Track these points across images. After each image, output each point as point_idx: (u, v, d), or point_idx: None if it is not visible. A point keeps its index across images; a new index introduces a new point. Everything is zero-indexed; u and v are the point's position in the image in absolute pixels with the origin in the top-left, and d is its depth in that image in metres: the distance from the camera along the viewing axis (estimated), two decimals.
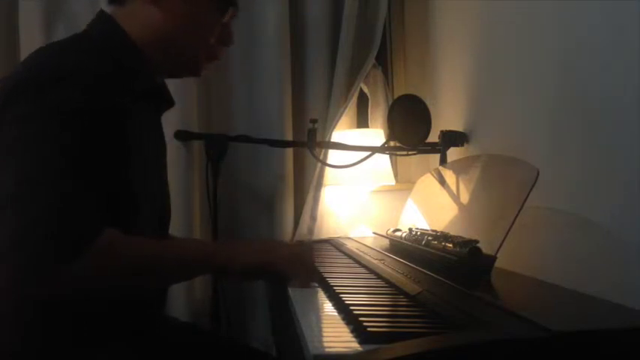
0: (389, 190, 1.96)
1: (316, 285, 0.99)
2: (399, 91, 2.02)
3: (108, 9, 1.08)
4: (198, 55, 1.13)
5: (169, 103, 1.21)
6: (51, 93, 0.89)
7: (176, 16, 1.06)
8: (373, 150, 1.72)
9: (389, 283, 0.96)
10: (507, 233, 0.88)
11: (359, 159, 1.70)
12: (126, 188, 0.96)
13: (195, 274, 1.24)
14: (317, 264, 1.09)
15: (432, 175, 1.45)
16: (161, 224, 1.17)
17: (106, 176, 0.91)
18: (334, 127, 1.84)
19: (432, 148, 1.70)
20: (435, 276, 0.91)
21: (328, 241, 1.68)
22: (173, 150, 1.77)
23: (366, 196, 1.96)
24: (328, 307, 0.83)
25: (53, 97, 0.89)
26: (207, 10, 1.10)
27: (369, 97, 2.04)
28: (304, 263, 1.02)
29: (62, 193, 0.85)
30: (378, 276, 1.03)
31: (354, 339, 0.64)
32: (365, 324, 0.66)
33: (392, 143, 1.74)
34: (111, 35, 1.04)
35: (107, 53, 1.01)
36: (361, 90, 2.00)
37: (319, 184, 1.85)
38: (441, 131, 1.67)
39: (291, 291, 0.94)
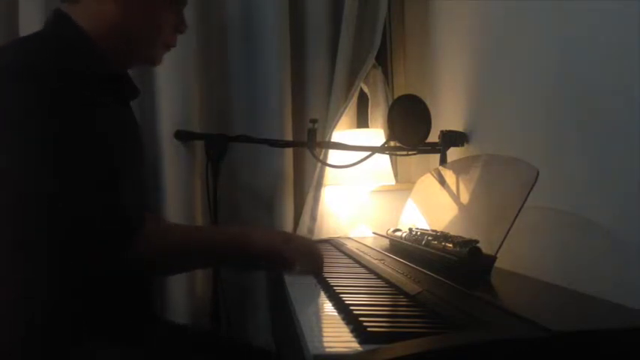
0: (389, 190, 1.96)
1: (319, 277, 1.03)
2: (399, 91, 2.02)
3: (63, 7, 1.09)
4: (155, 45, 1.15)
5: (134, 92, 1.22)
6: (17, 92, 0.92)
7: (131, 9, 1.08)
8: (373, 150, 1.72)
9: (389, 283, 0.96)
10: (507, 233, 0.88)
11: (359, 159, 1.70)
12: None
13: (224, 258, 1.30)
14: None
15: (432, 175, 1.45)
16: None
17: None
18: (334, 127, 1.84)
19: (432, 148, 1.69)
20: (435, 276, 0.91)
21: (328, 241, 1.68)
22: (173, 150, 1.77)
23: (366, 196, 1.96)
24: (328, 307, 0.83)
25: (22, 96, 0.91)
26: (160, 2, 1.12)
27: (369, 97, 2.04)
28: (313, 254, 1.12)
29: (111, 192, 0.95)
30: (378, 276, 1.03)
31: (354, 339, 0.64)
32: (365, 324, 0.66)
33: (392, 143, 1.74)
34: (67, 32, 1.06)
35: (65, 50, 1.03)
36: (361, 90, 2.00)
37: (319, 184, 1.85)
38: (441, 131, 1.67)
39: (291, 291, 0.94)
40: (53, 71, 0.95)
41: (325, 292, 0.92)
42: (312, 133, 1.68)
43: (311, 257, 1.11)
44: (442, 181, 1.37)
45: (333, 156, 1.83)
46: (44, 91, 0.93)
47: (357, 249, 1.39)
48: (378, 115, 2.02)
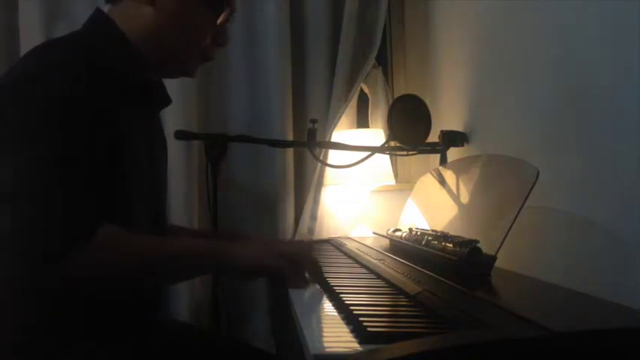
0: (389, 190, 1.96)
1: (316, 284, 0.99)
2: (399, 91, 2.03)
3: (105, 8, 1.08)
4: (191, 55, 1.12)
5: (166, 101, 1.20)
6: (35, 90, 0.90)
7: (169, 15, 1.06)
8: (373, 150, 1.72)
9: (389, 283, 0.96)
10: (507, 233, 0.88)
11: (359, 159, 1.70)
12: (117, 187, 0.95)
13: (195, 273, 1.22)
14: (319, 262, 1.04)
15: (432, 175, 1.45)
16: (157, 225, 1.15)
17: (97, 173, 0.92)
18: (334, 127, 1.85)
19: (432, 148, 1.70)
20: (435, 276, 0.91)
21: (328, 241, 1.68)
22: (173, 150, 1.77)
23: (366, 196, 1.96)
24: (328, 307, 0.83)
25: (37, 95, 0.90)
26: (201, 11, 1.09)
27: (369, 97, 2.04)
28: (304, 264, 0.99)
29: (59, 191, 0.87)
30: (378, 276, 1.03)
31: (354, 339, 0.64)
32: (365, 324, 0.66)
33: (392, 143, 1.74)
34: (104, 33, 1.04)
35: (97, 51, 1.00)
36: (361, 90, 2.00)
37: (319, 184, 1.85)
38: (441, 131, 1.67)
39: (291, 291, 0.94)
40: (72, 75, 0.92)
41: (325, 292, 0.92)
42: (312, 133, 1.68)
43: (303, 265, 1.00)
44: (442, 181, 1.37)
45: (333, 156, 1.83)
46: (66, 93, 0.91)
47: (357, 249, 1.39)
48: (378, 115, 2.02)
